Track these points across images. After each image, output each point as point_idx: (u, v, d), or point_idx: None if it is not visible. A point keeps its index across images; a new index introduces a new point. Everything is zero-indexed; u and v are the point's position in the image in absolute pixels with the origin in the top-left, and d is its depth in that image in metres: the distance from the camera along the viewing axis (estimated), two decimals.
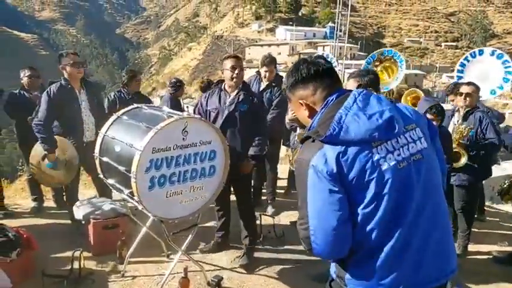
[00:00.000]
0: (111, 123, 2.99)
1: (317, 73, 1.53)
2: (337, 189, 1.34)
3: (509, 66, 5.50)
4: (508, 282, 3.43)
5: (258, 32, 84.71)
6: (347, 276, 1.47)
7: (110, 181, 2.96)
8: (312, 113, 1.54)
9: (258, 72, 4.81)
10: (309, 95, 1.53)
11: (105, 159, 2.88)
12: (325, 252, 1.41)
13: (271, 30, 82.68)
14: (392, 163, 1.37)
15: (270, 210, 4.79)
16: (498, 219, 5.22)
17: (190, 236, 3.09)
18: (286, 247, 3.94)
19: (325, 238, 1.37)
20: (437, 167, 1.55)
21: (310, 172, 1.36)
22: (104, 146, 2.94)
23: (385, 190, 1.35)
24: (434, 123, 3.55)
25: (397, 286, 1.41)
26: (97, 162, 2.99)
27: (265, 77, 4.67)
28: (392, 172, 1.36)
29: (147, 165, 2.63)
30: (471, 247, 4.08)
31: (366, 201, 1.36)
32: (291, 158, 3.88)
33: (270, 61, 4.61)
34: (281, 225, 4.37)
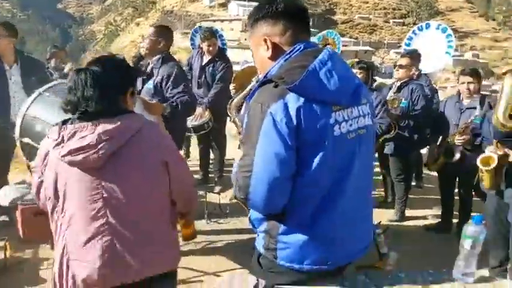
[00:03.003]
0: (32, 101, 2.74)
1: (293, 12, 1.39)
2: (290, 143, 1.26)
3: (452, 41, 5.73)
4: (438, 246, 3.62)
5: (210, 7, 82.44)
6: (278, 245, 1.40)
7: (34, 164, 2.75)
8: (276, 54, 1.39)
9: (200, 47, 4.65)
10: (277, 34, 1.39)
11: (26, 140, 2.65)
12: (261, 203, 1.33)
13: (223, 6, 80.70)
14: (344, 131, 1.34)
15: (217, 188, 4.73)
16: (435, 186, 5.54)
17: None
18: (231, 223, 3.94)
19: (265, 189, 1.29)
20: (373, 145, 1.56)
21: (267, 120, 1.25)
22: (24, 127, 2.68)
23: (332, 156, 1.31)
24: (359, 76, 3.64)
25: (326, 259, 1.40)
26: (18, 144, 2.76)
27: (208, 52, 4.52)
28: (342, 140, 1.33)
29: None
30: (408, 212, 4.31)
31: (311, 163, 1.31)
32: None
33: (210, 34, 4.46)
34: (227, 203, 4.35)
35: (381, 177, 4.81)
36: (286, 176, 1.29)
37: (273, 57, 1.40)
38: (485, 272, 2.89)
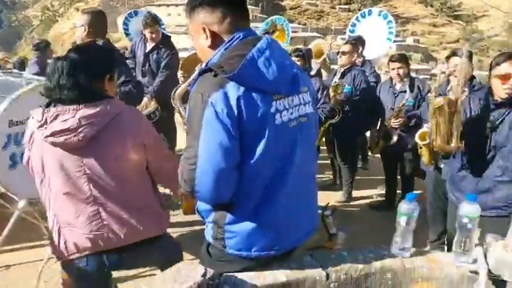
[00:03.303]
0: None
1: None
2: (233, 133, 1.25)
3: (392, 27, 5.94)
4: (383, 223, 3.81)
5: None
6: (226, 235, 1.42)
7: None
8: (215, 43, 1.37)
9: (143, 33, 4.46)
10: (215, 23, 1.36)
11: None
12: (207, 195, 1.32)
13: None
14: (286, 119, 1.34)
15: None
16: (380, 167, 5.81)
17: None
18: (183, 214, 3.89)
19: (210, 181, 1.27)
20: (316, 132, 1.58)
21: (208, 110, 1.23)
22: None
23: (274, 145, 1.32)
24: (298, 63, 3.72)
25: (273, 245, 1.43)
26: None
27: (151, 39, 4.35)
28: (283, 129, 1.33)
29: (4, 140, 2.32)
30: (355, 193, 4.50)
31: (253, 152, 1.30)
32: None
33: (153, 20, 4.28)
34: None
35: (329, 161, 4.97)
36: (231, 166, 1.29)
37: (213, 46, 1.38)
38: (425, 246, 3.11)
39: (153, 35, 4.31)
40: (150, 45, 4.40)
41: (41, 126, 1.56)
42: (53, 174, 1.61)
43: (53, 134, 1.54)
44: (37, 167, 1.64)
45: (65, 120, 1.53)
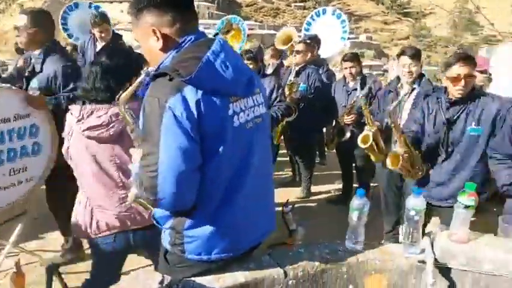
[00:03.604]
0: None
1: (179, 2, 1.35)
2: (193, 136, 1.23)
3: (345, 26, 6.06)
4: (341, 217, 3.93)
5: None
6: (185, 239, 1.39)
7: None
8: (167, 45, 1.34)
9: (92, 32, 4.28)
10: (165, 25, 1.33)
11: None
12: (170, 201, 1.27)
13: None
14: (243, 121, 1.34)
15: None
16: (337, 163, 5.96)
17: (20, 225, 2.69)
18: None
19: (173, 186, 1.24)
20: (270, 133, 1.62)
21: (167, 115, 1.20)
22: None
23: (231, 147, 1.31)
24: (251, 66, 3.73)
25: (232, 246, 1.43)
26: None
27: (100, 38, 4.18)
28: (241, 130, 1.33)
29: None
30: (314, 189, 4.60)
31: (213, 155, 1.29)
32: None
33: (101, 19, 4.10)
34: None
35: (288, 158, 5.03)
36: (191, 168, 1.27)
37: (164, 49, 1.35)
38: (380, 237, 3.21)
39: (103, 34, 4.13)
40: (100, 45, 4.23)
41: (78, 121, 1.83)
42: (87, 163, 1.85)
43: (89, 128, 1.81)
44: (74, 155, 1.90)
45: (99, 116, 1.81)
